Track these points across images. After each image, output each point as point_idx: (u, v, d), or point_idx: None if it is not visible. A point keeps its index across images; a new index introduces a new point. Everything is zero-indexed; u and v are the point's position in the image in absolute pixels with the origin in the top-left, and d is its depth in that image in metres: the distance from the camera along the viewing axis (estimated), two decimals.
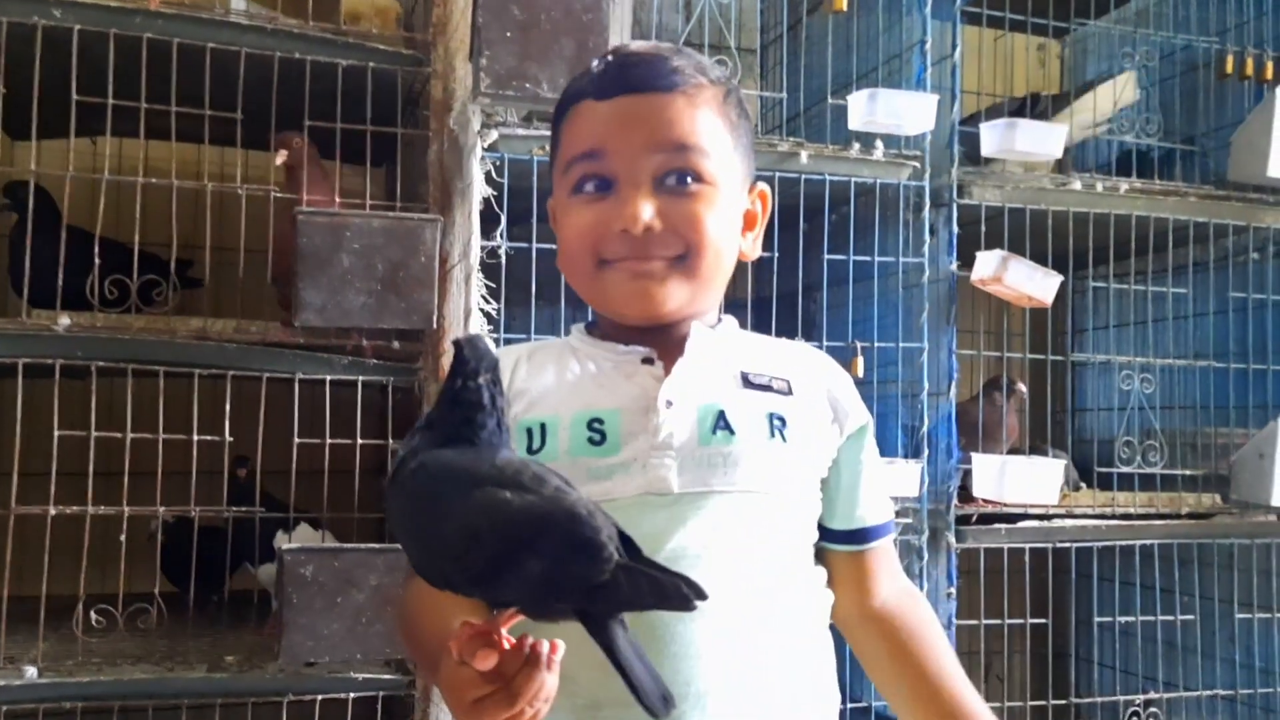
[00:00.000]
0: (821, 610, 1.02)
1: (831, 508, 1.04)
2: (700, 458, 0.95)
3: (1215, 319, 2.42)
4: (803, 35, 2.43)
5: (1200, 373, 2.38)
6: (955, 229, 2.10)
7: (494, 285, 1.78)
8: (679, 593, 0.70)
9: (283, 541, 1.79)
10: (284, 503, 1.83)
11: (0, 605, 1.61)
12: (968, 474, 2.09)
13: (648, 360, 1.00)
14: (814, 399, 1.03)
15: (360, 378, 1.75)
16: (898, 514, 1.95)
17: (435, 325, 1.71)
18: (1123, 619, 2.34)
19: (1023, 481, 2.10)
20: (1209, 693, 2.33)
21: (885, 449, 1.99)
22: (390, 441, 1.75)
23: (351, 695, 1.71)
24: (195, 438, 1.69)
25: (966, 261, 2.09)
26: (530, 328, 1.84)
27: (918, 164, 2.07)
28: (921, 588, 2.00)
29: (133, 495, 1.67)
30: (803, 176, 2.00)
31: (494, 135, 1.78)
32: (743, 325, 1.10)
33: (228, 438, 1.71)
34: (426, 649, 0.91)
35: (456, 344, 0.80)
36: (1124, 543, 2.22)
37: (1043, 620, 2.29)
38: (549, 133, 1.08)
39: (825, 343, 2.00)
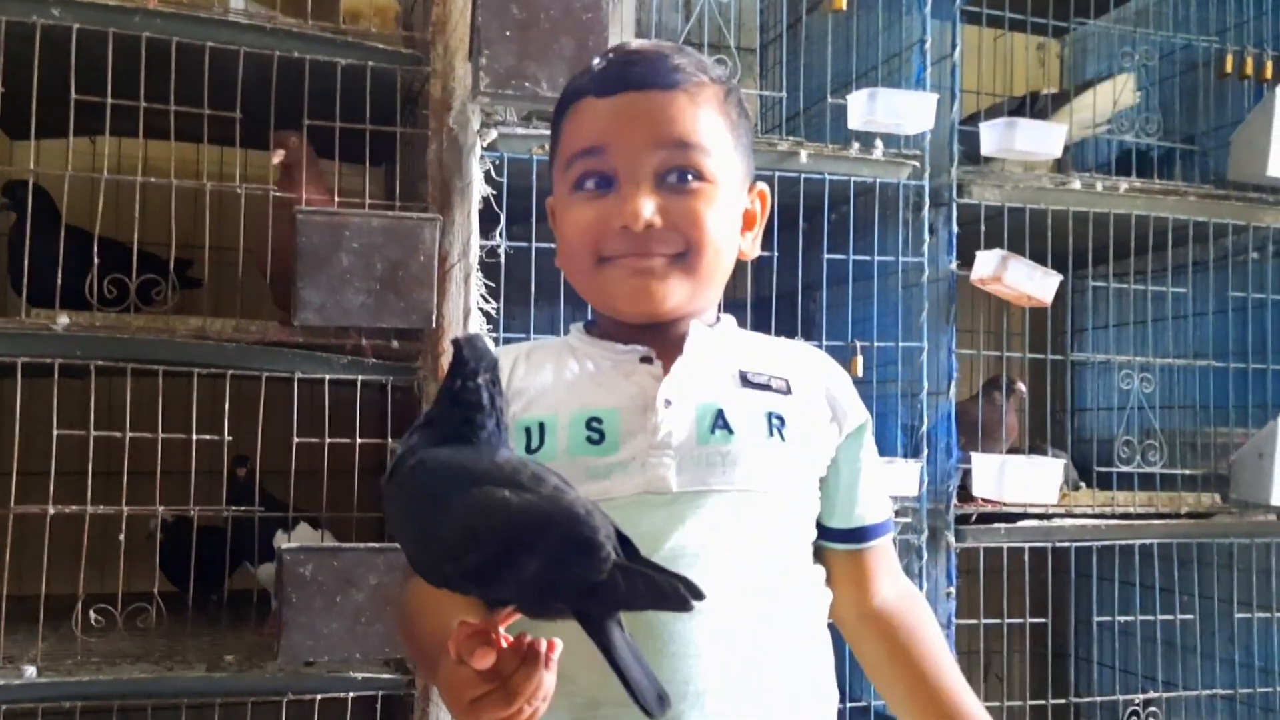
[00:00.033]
0: (820, 609, 1.02)
1: (830, 506, 1.04)
2: (699, 457, 0.95)
3: (1215, 318, 2.42)
4: (802, 34, 2.43)
5: (1200, 372, 2.38)
6: (955, 228, 2.10)
7: (493, 284, 1.78)
8: (676, 593, 0.70)
9: (282, 541, 1.79)
10: (283, 502, 1.83)
11: None
12: (967, 473, 2.09)
13: (646, 359, 1.00)
14: (813, 398, 1.03)
15: (359, 377, 1.75)
16: (897, 513, 1.96)
17: (434, 324, 1.71)
18: (1122, 618, 2.34)
19: (1022, 481, 2.10)
20: (1208, 692, 2.33)
21: (885, 448, 1.99)
22: (389, 441, 1.75)
23: (351, 695, 1.71)
24: (194, 437, 1.69)
25: (966, 261, 2.09)
26: (529, 327, 1.84)
27: (917, 163, 2.06)
28: (921, 587, 2.00)
29: (132, 494, 1.66)
30: (802, 176, 2.00)
31: (493, 134, 1.78)
32: (742, 325, 1.10)
33: (227, 437, 1.71)
34: (425, 648, 0.91)
35: (456, 343, 0.80)
36: (1123, 542, 2.22)
37: (1042, 620, 2.29)
38: (548, 132, 1.08)
39: (825, 342, 2.00)
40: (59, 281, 1.65)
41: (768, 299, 2.03)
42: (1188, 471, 2.33)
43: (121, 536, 1.65)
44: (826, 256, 2.06)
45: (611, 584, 0.70)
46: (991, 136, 2.09)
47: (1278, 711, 2.33)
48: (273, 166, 1.82)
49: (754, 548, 0.95)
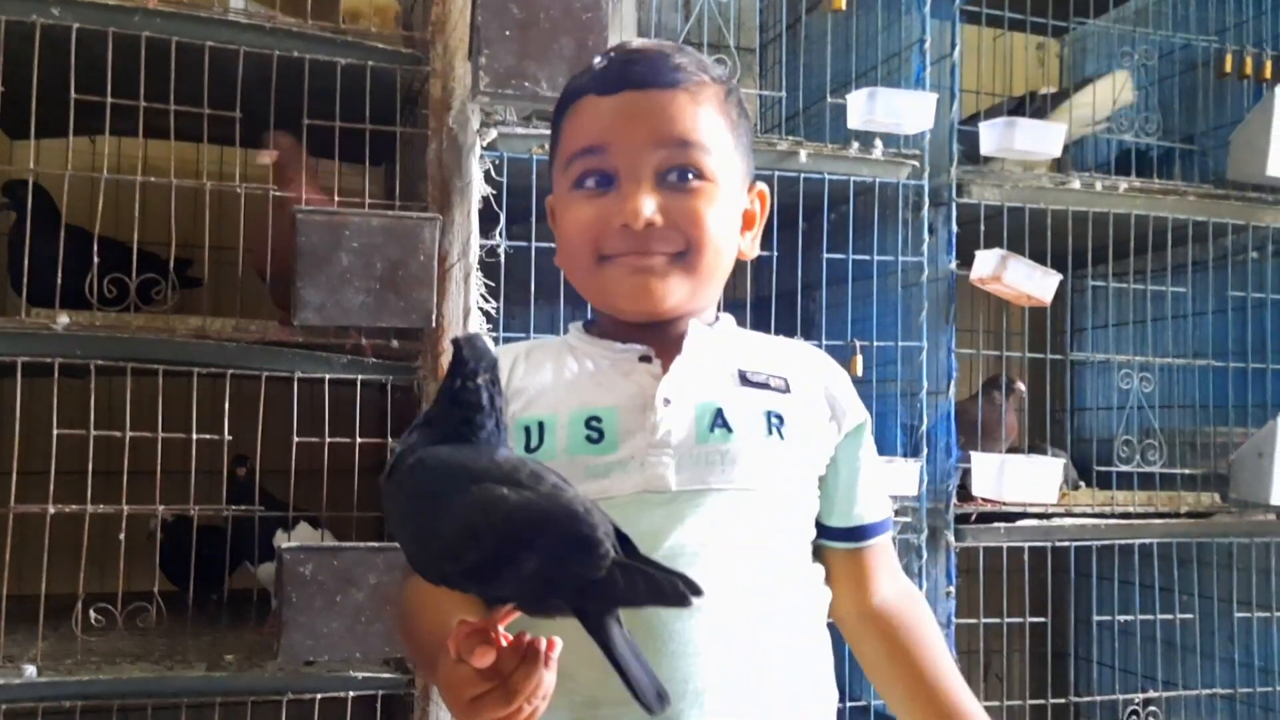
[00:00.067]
0: (820, 608, 1.02)
1: (829, 505, 1.04)
2: (698, 455, 0.95)
3: (1214, 318, 2.42)
4: (802, 34, 2.43)
5: (1199, 372, 2.38)
6: (954, 228, 2.10)
7: (493, 284, 1.78)
8: (675, 589, 0.70)
9: (282, 540, 1.79)
10: (283, 501, 1.83)
11: (0, 604, 1.62)
12: (967, 473, 2.09)
13: (645, 358, 1.00)
14: (812, 397, 1.03)
15: (359, 376, 1.75)
16: (897, 513, 1.96)
17: (434, 324, 1.71)
18: (1122, 618, 2.34)
19: (1022, 480, 2.10)
20: (1208, 692, 2.33)
21: (884, 448, 1.99)
22: (389, 440, 1.75)
23: (351, 694, 1.71)
24: (194, 436, 1.69)
25: (965, 260, 2.09)
26: (529, 326, 1.84)
27: (917, 163, 2.06)
28: (921, 586, 2.00)
29: (132, 494, 1.66)
30: (802, 175, 2.00)
31: (493, 134, 1.78)
32: (742, 324, 1.10)
33: (227, 436, 1.71)
34: (424, 647, 0.91)
35: (455, 343, 0.80)
36: (1123, 542, 2.22)
37: (1042, 619, 2.29)
38: (548, 131, 1.08)
39: (824, 342, 2.00)
40: (59, 281, 1.65)
41: (767, 299, 2.03)
42: (1187, 471, 2.33)
43: (121, 536, 1.65)
44: (826, 256, 2.06)
45: (610, 581, 0.70)
46: (991, 136, 2.09)
47: (1278, 711, 2.33)
48: (262, 165, 1.81)
49: (753, 546, 0.95)
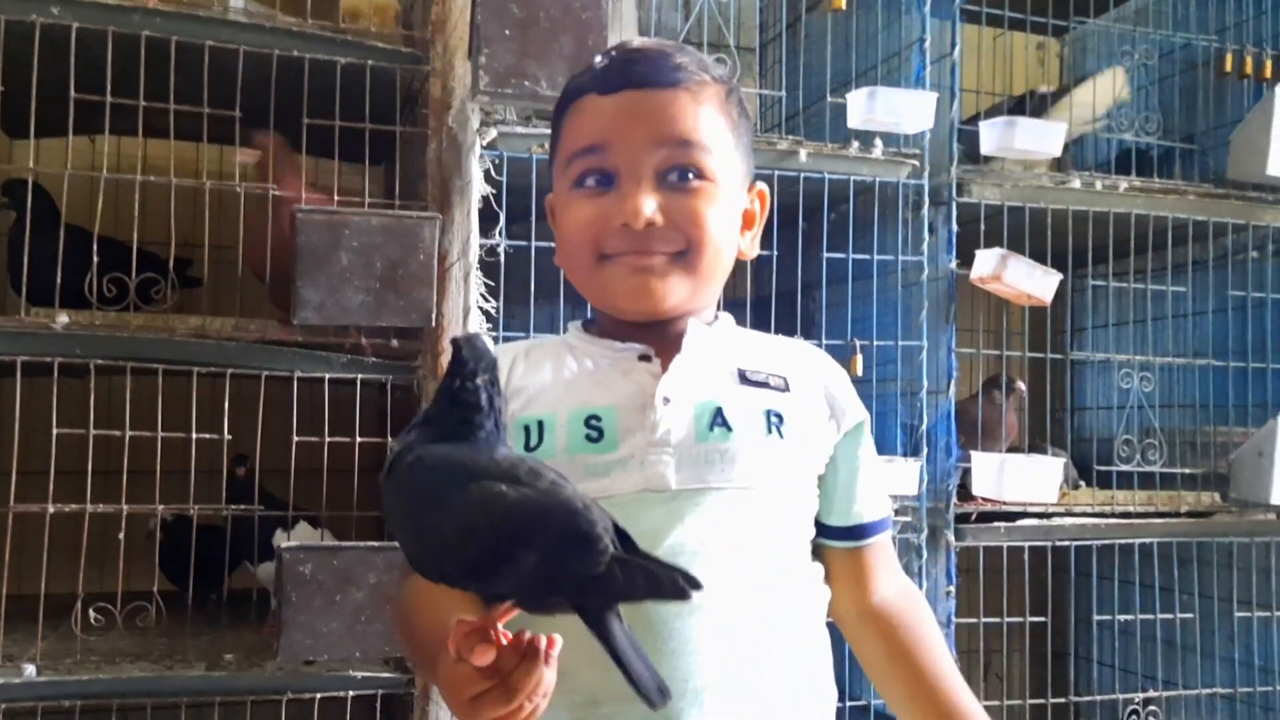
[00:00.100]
0: (819, 607, 1.02)
1: (829, 504, 1.04)
2: (698, 454, 0.95)
3: (1214, 317, 2.42)
4: (801, 33, 2.43)
5: (1199, 371, 2.38)
6: (954, 227, 2.10)
7: (493, 283, 1.78)
8: (674, 583, 0.70)
9: (282, 540, 1.79)
10: (283, 501, 1.83)
11: (0, 603, 1.61)
12: (967, 472, 2.09)
13: (645, 357, 1.00)
14: (811, 396, 1.03)
15: (359, 376, 1.75)
16: (897, 513, 1.96)
17: (434, 323, 1.71)
18: (1122, 617, 2.34)
19: (1022, 480, 2.10)
20: (1208, 691, 2.33)
21: (884, 447, 1.99)
22: (389, 440, 1.75)
23: (350, 694, 1.71)
24: (194, 436, 1.69)
25: (966, 260, 2.09)
26: (529, 326, 1.84)
27: (917, 162, 2.06)
28: (921, 586, 2.00)
29: (131, 493, 1.66)
30: (802, 175, 2.00)
31: (493, 133, 1.78)
32: (742, 324, 1.10)
33: (226, 436, 1.71)
34: (424, 646, 0.90)
35: (455, 343, 0.80)
36: (1123, 541, 2.22)
37: (1042, 619, 2.29)
38: (548, 131, 1.08)
39: (824, 341, 2.00)
40: (58, 280, 1.65)
41: (767, 298, 2.03)
42: (1187, 470, 2.33)
43: (121, 535, 1.65)
44: (826, 255, 2.06)
45: (609, 576, 0.70)
46: (991, 135, 2.09)
47: (1278, 711, 2.33)
48: (244, 164, 1.81)
49: (753, 545, 0.95)
